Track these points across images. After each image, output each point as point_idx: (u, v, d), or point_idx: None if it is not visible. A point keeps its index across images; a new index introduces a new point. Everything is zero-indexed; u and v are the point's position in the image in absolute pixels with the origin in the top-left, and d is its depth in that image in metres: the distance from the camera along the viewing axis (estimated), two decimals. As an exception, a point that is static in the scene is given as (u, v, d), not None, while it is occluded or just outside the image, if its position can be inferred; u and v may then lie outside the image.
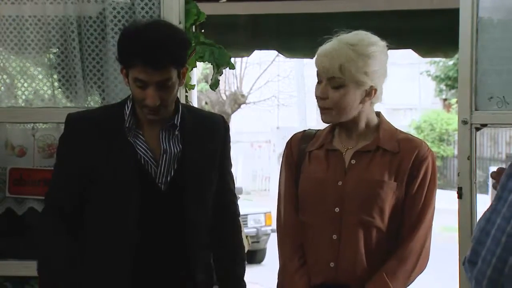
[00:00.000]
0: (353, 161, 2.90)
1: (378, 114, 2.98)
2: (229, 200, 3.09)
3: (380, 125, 2.94)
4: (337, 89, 2.83)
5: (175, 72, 2.79)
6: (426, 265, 2.91)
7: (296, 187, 2.97)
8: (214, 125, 3.03)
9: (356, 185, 2.85)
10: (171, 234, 2.88)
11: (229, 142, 3.07)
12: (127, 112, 2.89)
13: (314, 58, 2.90)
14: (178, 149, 2.90)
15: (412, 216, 2.86)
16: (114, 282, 2.85)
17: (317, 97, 2.88)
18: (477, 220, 3.43)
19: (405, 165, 2.86)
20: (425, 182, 2.87)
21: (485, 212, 2.17)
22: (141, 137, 2.88)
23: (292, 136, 3.07)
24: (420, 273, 2.90)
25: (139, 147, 2.87)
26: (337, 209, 2.86)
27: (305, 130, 3.09)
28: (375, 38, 2.87)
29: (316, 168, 2.94)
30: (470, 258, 2.10)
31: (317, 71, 2.88)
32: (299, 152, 3.00)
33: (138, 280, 2.85)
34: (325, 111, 2.88)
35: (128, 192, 2.83)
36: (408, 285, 2.89)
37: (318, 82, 2.88)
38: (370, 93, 2.86)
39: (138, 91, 2.80)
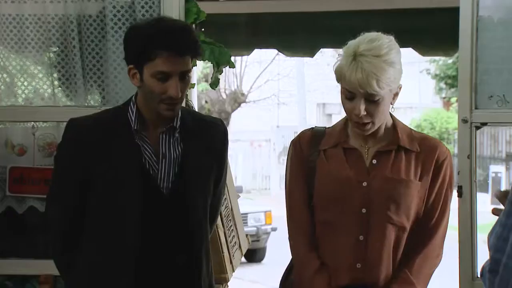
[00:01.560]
0: (374, 161, 2.89)
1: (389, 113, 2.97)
2: (211, 217, 3.03)
3: (396, 124, 2.94)
4: (375, 102, 2.80)
5: (191, 65, 2.81)
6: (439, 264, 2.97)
7: (308, 185, 2.94)
8: (214, 129, 3.01)
9: (382, 185, 2.84)
10: (173, 239, 2.86)
11: (227, 148, 3.05)
12: (133, 114, 2.86)
13: (339, 73, 2.82)
14: (178, 152, 2.88)
15: (434, 215, 2.90)
16: (117, 285, 2.83)
17: (355, 114, 2.81)
18: (477, 219, 3.45)
19: (428, 164, 2.88)
20: (445, 181, 2.91)
21: (498, 219, 2.14)
22: (146, 140, 2.86)
23: (300, 134, 3.03)
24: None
25: (145, 151, 2.85)
26: (364, 210, 2.84)
27: (312, 128, 3.04)
28: (388, 38, 2.84)
29: (337, 167, 2.90)
30: (492, 267, 2.05)
31: (346, 88, 2.80)
32: (310, 150, 2.96)
33: (140, 284, 2.83)
34: (367, 125, 2.84)
35: (132, 195, 2.81)
36: (428, 283, 2.92)
37: (349, 98, 2.81)
38: (398, 93, 2.88)
39: (158, 85, 2.76)
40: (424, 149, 2.90)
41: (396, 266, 2.86)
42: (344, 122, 2.97)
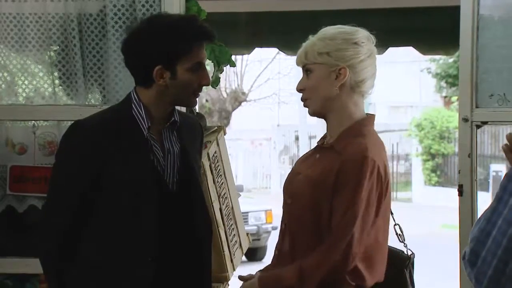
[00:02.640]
0: (317, 156, 2.93)
1: (369, 115, 2.92)
2: None
3: (353, 123, 2.88)
4: (309, 76, 2.91)
5: None
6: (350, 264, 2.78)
7: None
8: (195, 124, 3.09)
9: (301, 180, 2.88)
10: (185, 233, 2.88)
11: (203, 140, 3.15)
12: (141, 112, 2.85)
13: None
14: (178, 147, 2.91)
15: (333, 221, 2.77)
16: (135, 283, 2.83)
17: (297, 90, 2.97)
18: (478, 217, 3.45)
19: (336, 166, 2.79)
20: (349, 187, 2.75)
21: (485, 211, 2.17)
22: (154, 137, 2.87)
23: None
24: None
25: (154, 148, 2.86)
26: (289, 201, 2.91)
27: None
28: (353, 28, 2.90)
29: (298, 161, 3.02)
30: (470, 258, 2.10)
31: None
32: None
33: (159, 282, 2.84)
34: (305, 102, 2.94)
35: (147, 193, 2.81)
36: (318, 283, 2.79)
37: None
38: (341, 74, 2.85)
39: (194, 77, 2.84)
40: (344, 152, 2.79)
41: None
42: None
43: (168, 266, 2.85)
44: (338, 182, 2.77)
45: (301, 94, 2.97)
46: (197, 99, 2.93)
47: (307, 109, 2.96)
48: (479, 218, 2.17)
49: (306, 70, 2.92)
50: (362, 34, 2.89)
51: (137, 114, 2.85)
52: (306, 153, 3.05)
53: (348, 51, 2.86)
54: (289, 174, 3.01)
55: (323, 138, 2.99)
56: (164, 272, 2.84)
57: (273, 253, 2.96)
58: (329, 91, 2.87)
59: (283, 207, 2.95)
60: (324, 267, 2.74)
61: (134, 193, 2.81)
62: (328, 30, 2.91)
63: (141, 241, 2.81)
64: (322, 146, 2.94)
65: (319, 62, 2.88)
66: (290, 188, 2.93)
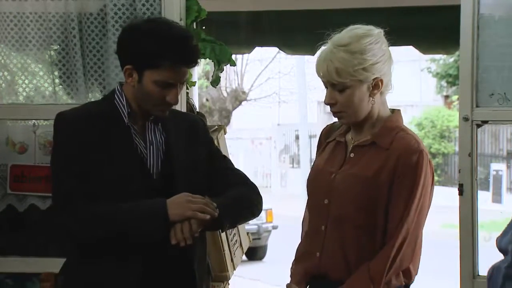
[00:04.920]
0: (352, 155, 2.91)
1: (393, 111, 2.96)
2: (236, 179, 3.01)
3: (386, 121, 2.91)
4: (342, 91, 2.84)
5: None
6: (410, 262, 2.85)
7: None
8: (191, 118, 3.08)
9: (344, 179, 2.87)
10: None
11: (207, 129, 3.10)
12: (123, 105, 2.88)
13: (315, 63, 2.90)
14: (163, 139, 2.92)
15: (395, 217, 2.81)
16: (122, 279, 2.83)
17: (326, 104, 2.90)
18: (478, 217, 3.45)
19: (390, 161, 2.82)
20: (409, 180, 2.80)
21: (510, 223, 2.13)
22: (135, 129, 2.89)
23: (323, 129, 3.11)
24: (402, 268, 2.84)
25: (135, 139, 2.87)
26: (326, 201, 2.88)
27: (334, 122, 3.09)
28: (366, 29, 2.86)
29: (321, 159, 2.99)
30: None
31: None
32: (321, 144, 3.06)
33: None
34: (338, 115, 2.89)
35: (130, 183, 2.83)
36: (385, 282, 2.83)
37: (325, 87, 2.89)
38: (377, 85, 2.86)
39: (158, 92, 2.80)
40: (394, 147, 2.84)
41: (352, 261, 2.84)
42: None
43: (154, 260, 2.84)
44: (396, 178, 2.80)
45: (329, 106, 2.90)
46: (164, 113, 2.85)
47: (340, 120, 2.92)
48: (506, 228, 2.14)
49: (337, 86, 2.84)
50: (379, 36, 2.86)
51: (120, 107, 2.88)
52: (321, 151, 3.02)
53: (380, 62, 2.85)
54: (313, 174, 2.97)
55: (343, 134, 2.96)
56: (150, 264, 2.83)
57: (312, 257, 2.91)
58: (366, 104, 2.87)
59: (316, 208, 2.92)
60: (393, 270, 2.79)
61: (118, 182, 2.81)
62: (352, 41, 2.81)
63: None
64: (357, 145, 2.91)
65: (355, 79, 2.82)
66: (327, 188, 2.89)
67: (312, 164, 3.14)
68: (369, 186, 2.82)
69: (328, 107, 2.92)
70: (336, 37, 2.85)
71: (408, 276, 2.86)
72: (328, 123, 3.13)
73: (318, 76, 2.87)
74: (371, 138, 2.89)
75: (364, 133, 2.92)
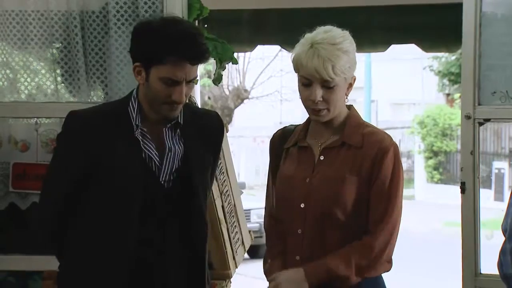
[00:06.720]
0: (321, 157, 2.94)
1: (349, 107, 3.00)
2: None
3: (348, 118, 2.96)
4: (331, 89, 2.87)
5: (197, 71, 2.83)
6: (388, 264, 2.91)
7: (274, 185, 3.04)
8: (210, 122, 3.04)
9: (320, 182, 2.89)
10: (174, 231, 2.88)
11: (222, 140, 3.09)
12: (134, 109, 2.87)
13: (296, 62, 2.91)
14: (181, 147, 2.90)
15: (376, 212, 2.87)
16: (114, 278, 2.84)
17: (311, 100, 2.89)
18: (480, 215, 3.45)
19: (367, 159, 2.87)
20: (387, 177, 2.87)
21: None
22: (147, 135, 2.87)
23: (273, 134, 3.12)
24: (385, 270, 2.90)
25: (146, 145, 2.86)
26: (302, 205, 2.90)
27: (285, 127, 3.12)
28: (340, 31, 2.93)
29: (289, 166, 2.99)
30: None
31: (303, 75, 2.90)
32: (277, 149, 3.06)
33: (136, 277, 2.84)
34: (321, 112, 2.90)
35: (132, 189, 2.82)
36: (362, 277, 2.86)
37: (306, 85, 2.90)
38: (351, 84, 2.93)
39: (164, 89, 2.79)
40: (366, 144, 2.89)
41: None
42: (307, 120, 3.03)
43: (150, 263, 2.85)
44: (375, 175, 2.85)
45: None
46: (173, 112, 2.84)
47: (321, 117, 2.92)
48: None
49: (329, 83, 2.87)
50: (350, 37, 2.93)
51: (131, 110, 2.87)
52: (284, 158, 3.02)
53: (356, 61, 2.93)
54: (285, 182, 2.97)
55: (303, 139, 2.98)
56: (146, 259, 2.84)
57: (291, 261, 2.92)
58: (344, 100, 2.95)
59: (290, 213, 2.93)
60: (378, 259, 2.85)
61: (121, 186, 2.81)
62: (343, 40, 2.88)
63: (122, 238, 2.83)
64: (326, 147, 2.93)
65: (344, 76, 2.88)
66: (304, 193, 2.91)
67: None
68: (349, 185, 2.86)
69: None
70: (321, 36, 2.89)
71: (390, 264, 2.91)
72: (278, 129, 3.14)
73: (306, 72, 2.87)
74: (340, 138, 2.92)
75: (327, 132, 2.95)
